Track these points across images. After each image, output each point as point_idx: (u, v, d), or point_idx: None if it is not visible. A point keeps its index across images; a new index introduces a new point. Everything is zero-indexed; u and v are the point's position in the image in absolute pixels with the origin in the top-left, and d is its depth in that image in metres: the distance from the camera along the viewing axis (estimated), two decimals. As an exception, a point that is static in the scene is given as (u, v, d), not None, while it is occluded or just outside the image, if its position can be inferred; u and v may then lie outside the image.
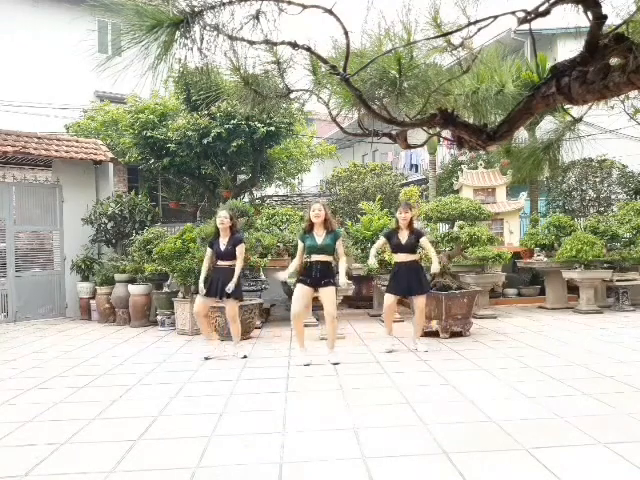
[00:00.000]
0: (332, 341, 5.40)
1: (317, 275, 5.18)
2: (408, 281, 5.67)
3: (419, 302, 5.71)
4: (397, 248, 5.76)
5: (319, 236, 5.25)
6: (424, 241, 5.74)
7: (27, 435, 3.47)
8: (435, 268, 5.82)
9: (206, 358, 5.61)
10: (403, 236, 5.72)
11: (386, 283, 7.88)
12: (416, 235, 5.73)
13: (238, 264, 5.62)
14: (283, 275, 5.48)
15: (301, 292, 5.22)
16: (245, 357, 5.66)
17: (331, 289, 5.23)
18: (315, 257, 5.20)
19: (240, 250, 5.64)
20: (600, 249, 8.40)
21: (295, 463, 2.91)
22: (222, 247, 5.62)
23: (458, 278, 7.89)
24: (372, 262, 5.99)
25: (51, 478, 2.82)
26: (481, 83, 2.33)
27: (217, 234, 5.72)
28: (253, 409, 3.90)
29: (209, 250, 5.75)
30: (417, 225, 6.92)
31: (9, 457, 3.12)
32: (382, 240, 5.99)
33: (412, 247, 5.73)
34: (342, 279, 5.32)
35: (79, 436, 3.42)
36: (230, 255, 5.61)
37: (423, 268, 5.98)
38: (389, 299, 5.77)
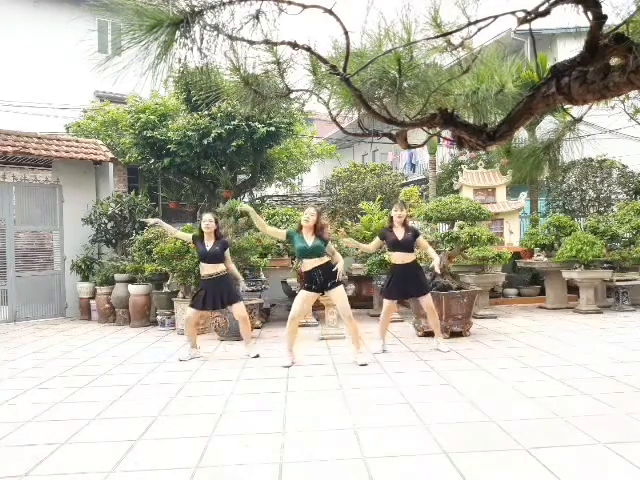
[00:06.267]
0: (357, 341, 5.25)
1: (321, 279, 5.08)
2: (406, 283, 5.55)
3: (426, 302, 5.60)
4: (395, 245, 5.60)
5: (308, 239, 5.14)
6: (421, 240, 5.62)
7: (27, 435, 3.47)
8: (436, 263, 5.56)
9: (180, 360, 5.54)
10: (399, 232, 5.59)
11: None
12: (413, 233, 5.62)
13: (232, 266, 5.79)
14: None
15: (305, 297, 5.16)
16: (257, 356, 5.65)
17: (340, 289, 5.14)
18: (309, 263, 5.10)
19: (227, 253, 5.74)
20: (600, 249, 8.39)
21: (295, 463, 2.91)
22: (207, 247, 5.58)
23: (458, 278, 7.89)
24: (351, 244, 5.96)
25: (51, 478, 2.82)
26: (481, 83, 2.33)
27: (201, 236, 5.70)
28: (253, 409, 3.90)
29: (189, 236, 5.81)
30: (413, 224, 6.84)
31: (9, 457, 3.12)
32: (377, 240, 5.75)
33: (409, 244, 5.58)
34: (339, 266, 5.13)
35: (79, 436, 3.42)
36: (216, 258, 5.58)
37: (422, 268, 5.87)
38: (387, 304, 5.68)
